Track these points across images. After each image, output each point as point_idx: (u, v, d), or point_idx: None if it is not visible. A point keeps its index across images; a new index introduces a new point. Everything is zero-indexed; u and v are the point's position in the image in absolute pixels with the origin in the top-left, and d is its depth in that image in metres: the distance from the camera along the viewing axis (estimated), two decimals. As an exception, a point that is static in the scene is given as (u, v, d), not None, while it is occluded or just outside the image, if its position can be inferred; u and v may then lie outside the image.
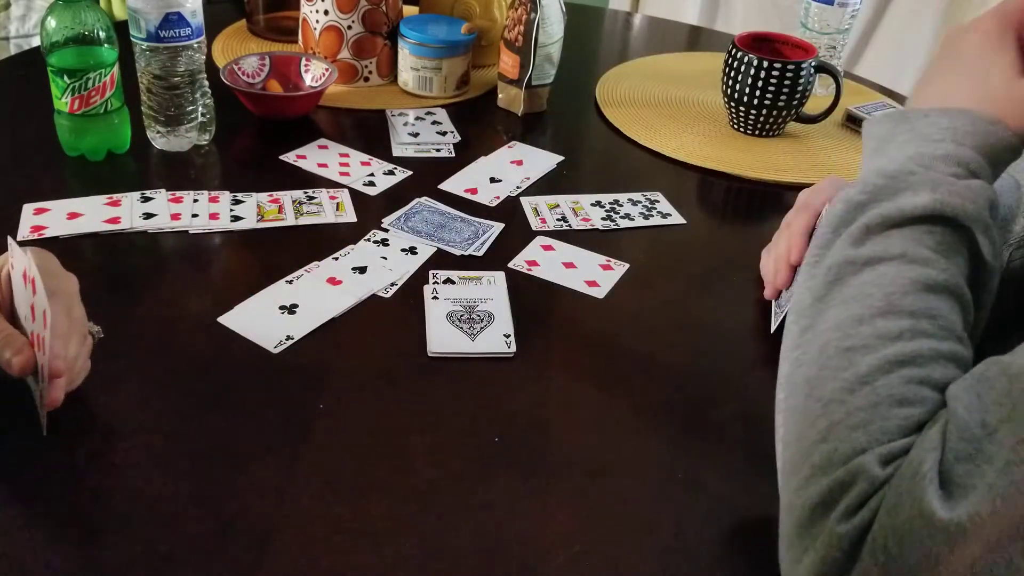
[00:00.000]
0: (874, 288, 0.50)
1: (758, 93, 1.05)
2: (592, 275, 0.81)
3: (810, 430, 0.48)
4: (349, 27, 1.10)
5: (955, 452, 0.44)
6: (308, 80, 1.07)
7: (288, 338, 0.70)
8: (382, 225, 0.85)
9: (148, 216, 0.83)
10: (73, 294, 0.60)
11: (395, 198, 0.90)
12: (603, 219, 0.90)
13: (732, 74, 1.06)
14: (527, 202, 0.92)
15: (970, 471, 0.43)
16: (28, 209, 0.82)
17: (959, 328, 0.50)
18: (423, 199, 0.90)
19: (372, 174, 0.94)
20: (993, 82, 0.55)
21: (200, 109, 0.94)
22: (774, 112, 1.06)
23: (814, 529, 0.46)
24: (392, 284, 0.77)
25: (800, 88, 1.04)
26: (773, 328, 0.75)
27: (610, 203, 0.93)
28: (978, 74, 0.56)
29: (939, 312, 0.50)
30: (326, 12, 1.09)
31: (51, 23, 0.85)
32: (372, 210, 0.88)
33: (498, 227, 0.87)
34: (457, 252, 0.82)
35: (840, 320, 0.50)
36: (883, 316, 0.49)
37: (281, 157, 0.96)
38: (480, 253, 0.83)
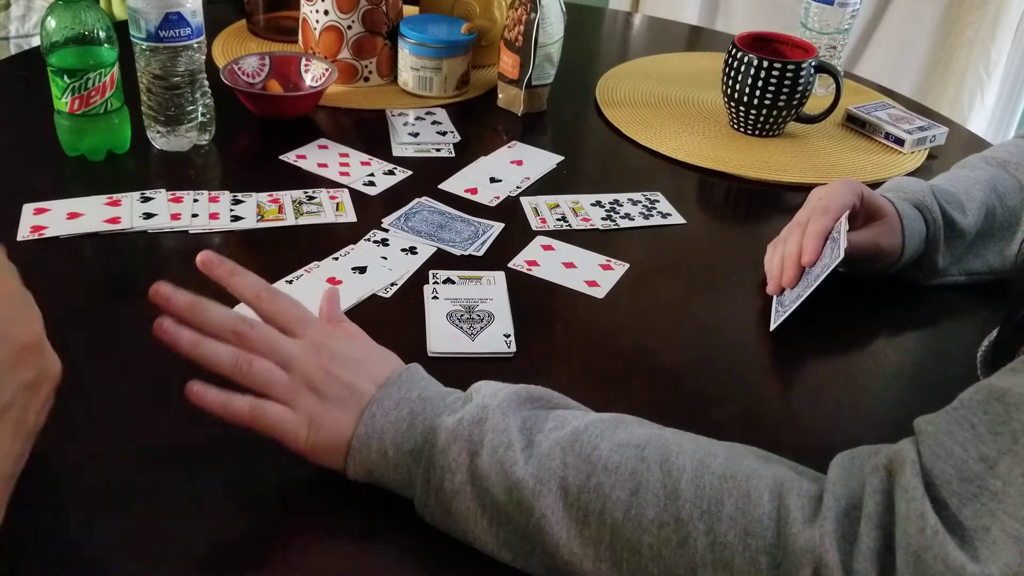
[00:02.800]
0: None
1: (758, 93, 1.05)
2: (592, 275, 0.81)
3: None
4: (349, 27, 1.10)
5: (958, 496, 0.43)
6: (308, 80, 1.07)
7: (288, 338, 0.69)
8: (382, 225, 0.85)
9: (148, 216, 0.83)
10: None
11: (395, 198, 0.90)
12: (603, 219, 0.90)
13: (732, 74, 1.06)
14: (527, 202, 0.92)
15: (978, 511, 0.42)
16: (28, 209, 0.82)
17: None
18: (423, 199, 0.90)
19: (372, 174, 0.94)
20: None
21: (200, 109, 0.94)
22: (774, 112, 1.06)
23: None
24: (392, 284, 0.77)
25: (800, 88, 1.04)
26: (773, 327, 0.75)
27: (610, 203, 0.93)
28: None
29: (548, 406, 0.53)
30: (326, 12, 1.09)
31: (51, 23, 0.85)
32: (372, 210, 0.88)
33: (498, 227, 0.87)
34: (457, 252, 0.82)
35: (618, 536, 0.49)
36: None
37: (281, 157, 0.96)
38: (480, 253, 0.83)
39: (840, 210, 0.75)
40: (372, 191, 0.91)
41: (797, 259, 0.75)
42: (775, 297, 0.78)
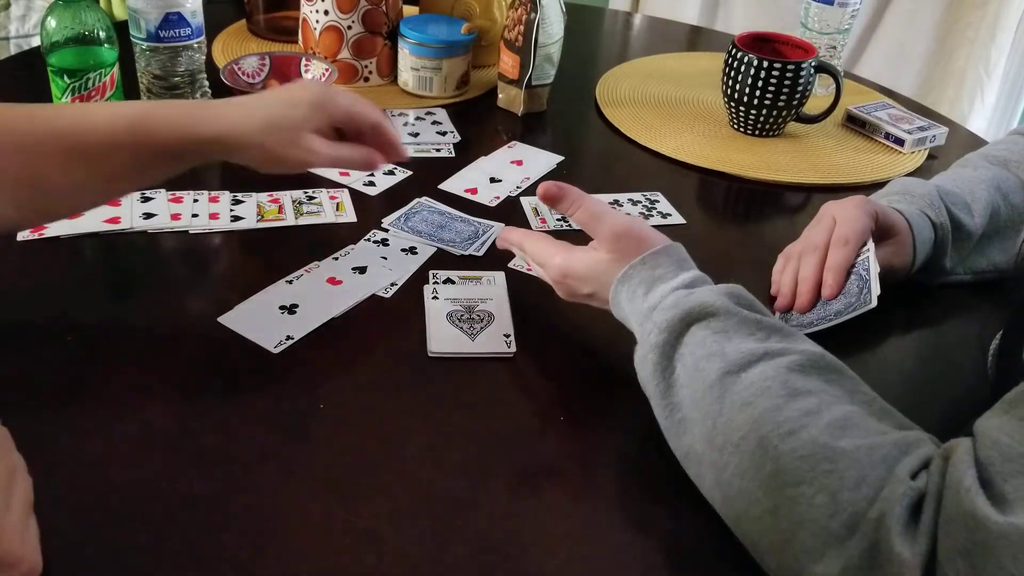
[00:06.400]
0: (767, 382, 0.53)
1: (758, 93, 1.05)
2: (592, 275, 0.81)
3: (813, 511, 0.48)
4: (349, 27, 1.10)
5: (1001, 474, 0.45)
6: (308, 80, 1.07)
7: (288, 338, 0.70)
8: (382, 225, 0.85)
9: (148, 216, 0.83)
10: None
11: (395, 198, 0.90)
12: (603, 219, 0.90)
13: (732, 74, 1.06)
14: (527, 202, 0.92)
15: (1020, 486, 0.44)
16: (28, 209, 0.82)
17: (849, 387, 0.55)
18: (423, 199, 0.90)
19: (372, 174, 0.94)
20: None
21: (200, 109, 0.94)
22: (774, 112, 1.06)
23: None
24: (392, 284, 0.77)
25: (800, 88, 1.04)
26: None
27: (610, 203, 0.93)
28: None
29: (823, 385, 0.54)
30: (326, 12, 1.09)
31: (51, 23, 0.85)
32: (372, 210, 0.88)
33: (498, 227, 0.86)
34: (457, 252, 0.82)
35: (757, 417, 0.52)
36: (793, 399, 0.52)
37: (281, 157, 0.96)
38: (480, 253, 0.83)
39: (860, 239, 0.73)
40: (372, 191, 0.91)
41: (814, 287, 0.73)
42: (779, 313, 0.76)
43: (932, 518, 0.46)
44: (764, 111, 1.06)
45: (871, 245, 0.74)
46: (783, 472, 0.50)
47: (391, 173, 0.95)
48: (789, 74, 1.03)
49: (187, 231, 0.82)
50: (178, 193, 0.86)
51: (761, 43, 1.10)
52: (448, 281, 0.78)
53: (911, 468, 0.49)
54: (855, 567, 0.47)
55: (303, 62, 1.08)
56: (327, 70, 1.06)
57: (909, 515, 0.47)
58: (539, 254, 0.71)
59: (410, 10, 1.19)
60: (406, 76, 1.13)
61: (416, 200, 0.90)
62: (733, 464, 0.52)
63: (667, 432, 0.59)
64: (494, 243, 0.84)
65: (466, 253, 0.82)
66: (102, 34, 0.86)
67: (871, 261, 0.72)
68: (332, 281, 0.77)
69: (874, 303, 0.70)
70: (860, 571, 0.46)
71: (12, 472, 0.45)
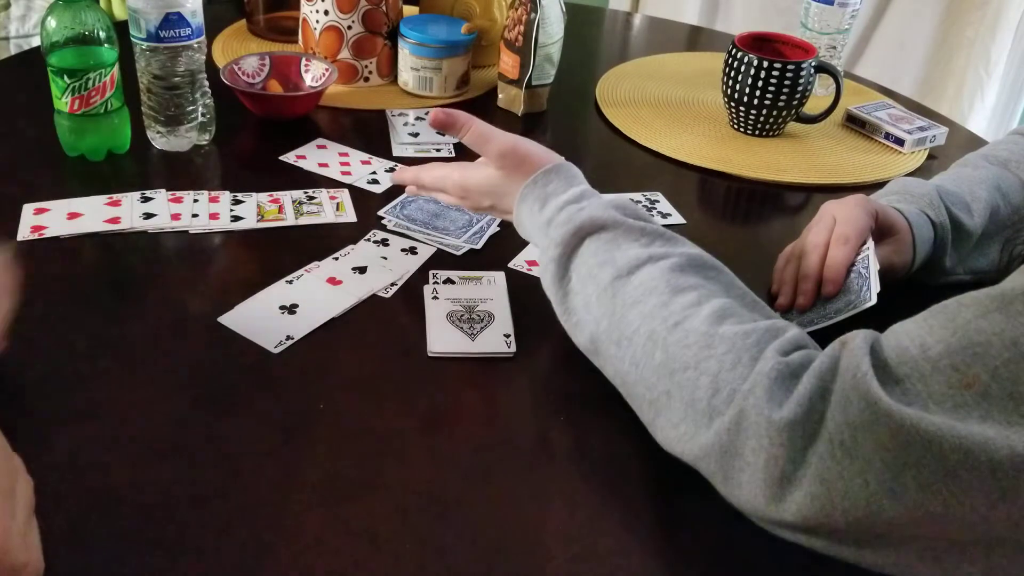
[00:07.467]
0: (653, 282, 0.60)
1: (758, 93, 1.05)
2: (592, 275, 0.81)
3: (699, 391, 0.54)
4: (349, 27, 1.10)
5: (895, 374, 0.48)
6: (308, 80, 1.07)
7: (288, 338, 0.70)
8: (378, 214, 0.86)
9: (148, 216, 0.83)
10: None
11: (397, 196, 0.90)
12: (603, 219, 0.90)
13: (732, 74, 1.06)
14: (527, 202, 0.92)
15: (909, 387, 0.47)
16: (28, 209, 0.82)
17: (725, 282, 0.62)
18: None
19: (374, 172, 0.94)
20: None
21: (200, 109, 0.94)
22: (774, 112, 1.06)
23: (746, 442, 0.51)
24: (392, 284, 0.77)
25: (800, 88, 1.04)
26: None
27: (610, 203, 0.93)
28: None
29: (702, 281, 0.60)
30: (326, 12, 1.09)
31: (51, 23, 0.85)
32: (372, 210, 0.88)
33: (492, 219, 0.87)
34: (452, 241, 0.83)
35: (646, 313, 0.58)
36: (676, 294, 0.58)
37: (281, 157, 0.96)
38: (479, 246, 0.83)
39: (860, 238, 0.74)
40: (377, 188, 0.91)
41: (814, 285, 0.75)
42: (780, 312, 0.76)
43: (809, 391, 0.49)
44: (764, 111, 1.06)
45: (871, 243, 0.74)
46: (671, 360, 0.56)
47: (393, 171, 0.95)
48: (789, 74, 1.03)
49: (187, 231, 0.82)
50: (178, 193, 0.86)
51: (761, 43, 1.10)
52: (448, 281, 0.78)
53: (781, 347, 0.53)
54: (726, 430, 0.51)
55: (303, 62, 1.08)
56: (327, 70, 1.06)
57: (776, 386, 0.51)
58: (436, 178, 0.76)
59: (410, 10, 1.19)
60: (406, 76, 1.13)
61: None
62: (628, 356, 0.59)
63: (568, 331, 0.66)
64: (494, 243, 0.84)
65: (465, 245, 0.82)
66: (102, 34, 0.86)
67: (871, 259, 0.73)
68: (332, 281, 0.77)
69: (874, 300, 0.70)
70: (729, 434, 0.51)
71: (14, 476, 0.45)
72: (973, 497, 0.44)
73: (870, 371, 0.48)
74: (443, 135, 1.04)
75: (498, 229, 0.86)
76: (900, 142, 1.08)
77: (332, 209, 0.87)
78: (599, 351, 0.62)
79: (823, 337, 0.70)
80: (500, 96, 1.12)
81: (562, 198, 0.68)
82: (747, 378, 0.52)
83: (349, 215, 0.87)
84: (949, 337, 0.47)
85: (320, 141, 1.00)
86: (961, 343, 0.46)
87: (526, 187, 0.70)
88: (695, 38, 1.59)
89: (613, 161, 1.06)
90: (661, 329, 0.57)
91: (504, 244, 0.84)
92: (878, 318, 0.76)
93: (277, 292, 0.75)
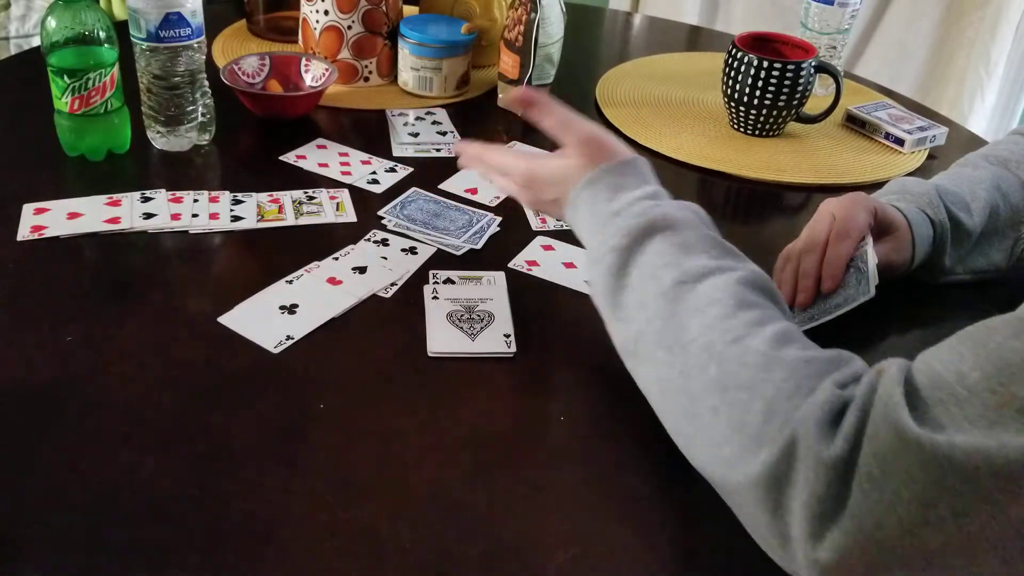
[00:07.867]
0: (718, 293, 0.56)
1: (758, 93, 1.05)
2: (592, 275, 0.81)
3: (750, 415, 0.51)
4: (349, 27, 1.10)
5: (928, 399, 0.46)
6: (308, 80, 1.07)
7: (288, 338, 0.70)
8: (378, 214, 0.86)
9: (148, 216, 0.83)
10: None
11: (397, 196, 0.90)
12: (603, 219, 0.90)
13: (732, 74, 1.06)
14: (527, 202, 0.92)
15: (941, 412, 0.46)
16: (28, 209, 0.82)
17: (785, 308, 0.60)
18: (418, 189, 0.91)
19: (374, 171, 0.94)
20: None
21: (200, 109, 0.94)
22: (774, 112, 1.06)
23: (792, 477, 0.48)
24: (392, 284, 0.77)
25: (800, 88, 1.04)
26: None
27: (610, 203, 0.93)
28: None
29: (768, 301, 0.58)
30: (326, 12, 1.09)
31: (51, 23, 0.85)
32: (373, 210, 0.88)
33: (492, 218, 0.87)
34: (452, 241, 0.83)
35: (707, 323, 0.55)
36: (741, 309, 0.55)
37: (281, 157, 0.96)
38: (479, 246, 0.83)
39: (859, 234, 0.75)
40: (377, 188, 0.91)
41: (815, 281, 0.75)
42: None
43: (854, 425, 0.47)
44: (764, 111, 1.06)
45: (869, 239, 0.75)
46: (726, 376, 0.53)
47: (392, 171, 0.95)
48: (789, 74, 1.03)
49: (187, 231, 0.82)
50: (178, 193, 0.86)
51: (761, 43, 1.10)
52: (448, 281, 0.78)
53: (840, 380, 0.51)
54: (774, 462, 0.49)
55: (303, 62, 1.08)
56: (327, 70, 1.06)
57: (830, 419, 0.48)
58: (503, 163, 0.73)
59: (410, 10, 1.19)
60: (406, 76, 1.13)
61: (411, 189, 0.90)
62: (679, 363, 0.55)
63: (609, 327, 0.63)
64: (494, 243, 0.84)
65: (464, 245, 0.82)
66: (102, 34, 0.86)
67: (869, 254, 0.73)
68: (332, 281, 0.77)
69: (872, 293, 0.71)
70: (777, 466, 0.49)
71: None
72: (1013, 511, 0.43)
73: (902, 400, 0.46)
74: (443, 135, 1.04)
75: (498, 229, 0.86)
76: (900, 142, 1.08)
77: (332, 209, 0.87)
78: (639, 353, 0.59)
79: (821, 334, 0.70)
80: (500, 96, 1.12)
81: (636, 192, 0.65)
82: (801, 408, 0.49)
83: (349, 215, 0.87)
84: (983, 363, 0.46)
85: (320, 141, 1.00)
86: (996, 366, 0.45)
87: (600, 171, 0.66)
88: (695, 38, 1.59)
89: (613, 161, 1.06)
90: (719, 342, 0.54)
91: (504, 244, 0.84)
92: (880, 318, 0.76)
93: (277, 292, 0.75)
